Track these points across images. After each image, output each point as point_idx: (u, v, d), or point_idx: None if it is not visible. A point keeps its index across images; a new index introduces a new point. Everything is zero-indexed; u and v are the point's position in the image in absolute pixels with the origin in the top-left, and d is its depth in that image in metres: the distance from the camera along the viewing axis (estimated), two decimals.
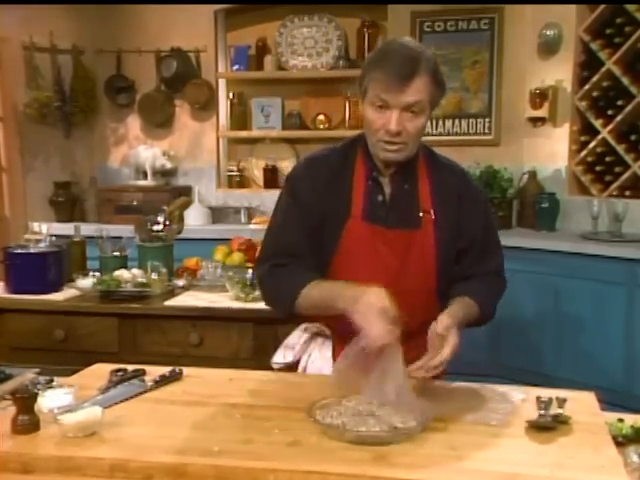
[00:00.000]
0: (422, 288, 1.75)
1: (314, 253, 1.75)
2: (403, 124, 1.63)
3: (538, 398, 1.50)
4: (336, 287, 1.64)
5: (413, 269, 1.74)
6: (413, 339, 1.56)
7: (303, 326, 1.96)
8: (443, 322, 1.56)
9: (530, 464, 1.30)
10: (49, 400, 1.55)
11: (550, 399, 1.49)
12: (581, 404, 1.57)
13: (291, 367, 1.95)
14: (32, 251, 2.90)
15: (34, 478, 1.36)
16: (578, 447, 1.37)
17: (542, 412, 1.47)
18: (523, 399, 1.61)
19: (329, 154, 1.81)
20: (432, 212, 1.75)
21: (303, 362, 1.93)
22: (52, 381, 1.73)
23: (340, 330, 1.74)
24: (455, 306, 1.67)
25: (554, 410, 1.48)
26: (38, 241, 2.95)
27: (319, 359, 1.89)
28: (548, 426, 1.44)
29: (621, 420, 1.51)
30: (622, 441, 1.43)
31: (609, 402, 1.84)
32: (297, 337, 1.96)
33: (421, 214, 1.75)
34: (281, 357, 1.97)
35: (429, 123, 4.67)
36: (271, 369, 1.98)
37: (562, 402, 1.50)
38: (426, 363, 1.54)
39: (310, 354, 1.91)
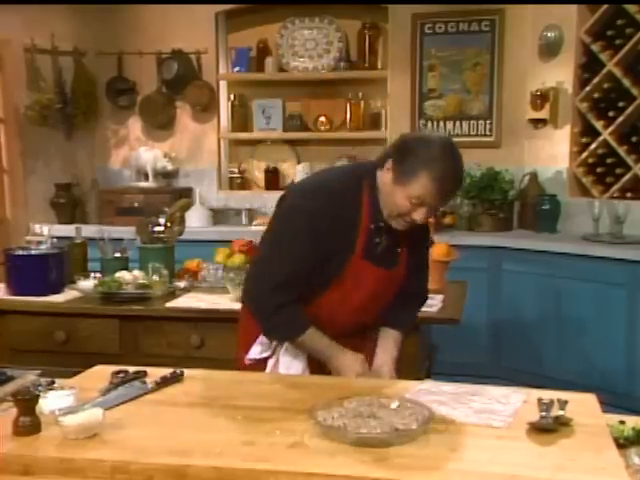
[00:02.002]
0: (387, 305, 2.05)
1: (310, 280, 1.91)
2: (426, 218, 1.87)
3: (539, 400, 1.50)
4: (324, 350, 1.95)
5: (388, 297, 2.03)
6: (361, 333, 2.04)
7: None
8: (383, 364, 2.03)
9: (531, 466, 1.30)
10: (50, 402, 1.55)
11: (551, 401, 1.49)
12: (582, 406, 1.57)
13: (260, 363, 2.02)
14: (33, 253, 2.90)
15: None
16: (579, 449, 1.37)
17: (543, 414, 1.47)
18: (524, 401, 1.61)
19: (342, 189, 1.89)
20: (404, 248, 1.98)
21: (273, 358, 2.00)
22: (53, 383, 1.73)
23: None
24: (392, 346, 2.07)
25: (555, 412, 1.48)
26: (39, 243, 2.95)
27: (289, 355, 1.99)
28: (549, 428, 1.44)
29: (622, 422, 1.51)
30: (624, 443, 1.43)
31: (611, 404, 1.84)
32: (263, 345, 2.03)
33: (399, 250, 1.97)
34: (256, 353, 2.02)
35: (431, 125, 4.69)
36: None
37: (563, 404, 1.50)
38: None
39: (281, 351, 2.00)
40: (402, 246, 1.97)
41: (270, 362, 2.00)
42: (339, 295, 1.93)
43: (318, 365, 1.98)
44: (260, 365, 2.01)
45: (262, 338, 2.01)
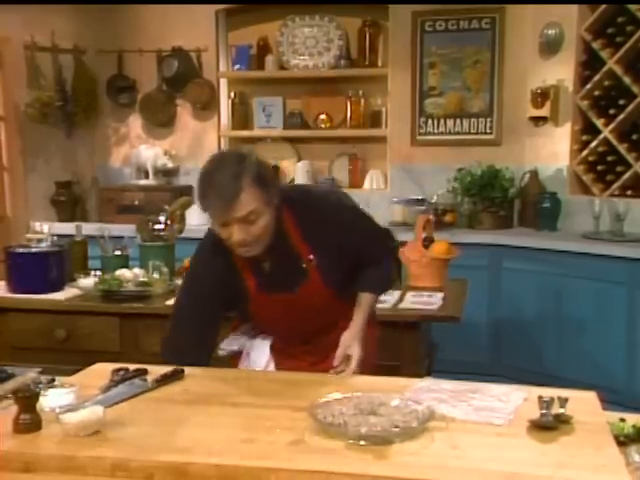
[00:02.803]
0: (327, 311, 2.00)
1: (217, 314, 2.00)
2: (245, 233, 1.77)
3: (540, 398, 1.50)
4: None
5: (316, 307, 1.97)
6: (327, 335, 2.00)
7: (244, 327, 2.13)
8: (345, 342, 1.93)
9: (532, 463, 1.30)
10: (51, 399, 1.55)
11: (552, 399, 1.49)
12: (583, 404, 1.57)
13: (235, 356, 2.11)
14: (34, 251, 2.90)
15: (36, 477, 1.36)
16: (580, 447, 1.37)
17: (544, 412, 1.47)
18: (525, 399, 1.61)
19: (214, 243, 1.90)
20: (311, 256, 1.92)
21: (245, 352, 2.09)
22: (54, 380, 1.73)
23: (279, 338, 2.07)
24: (356, 315, 1.99)
25: (556, 410, 1.48)
26: (40, 241, 2.95)
27: (256, 350, 2.07)
28: (550, 426, 1.44)
29: (623, 420, 1.51)
30: (624, 441, 1.43)
31: (611, 402, 1.84)
32: (245, 329, 2.12)
33: (304, 265, 1.92)
34: (228, 344, 2.10)
35: (431, 123, 4.68)
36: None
37: (564, 402, 1.50)
38: (337, 372, 1.91)
39: (252, 345, 2.09)
40: (306, 258, 1.91)
41: (242, 357, 2.09)
42: (264, 321, 2.02)
43: (285, 358, 2.05)
44: (234, 359, 2.10)
45: (236, 332, 2.11)
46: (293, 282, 1.93)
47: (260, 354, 2.07)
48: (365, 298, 2.02)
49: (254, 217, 1.76)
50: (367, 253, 2.02)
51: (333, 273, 1.95)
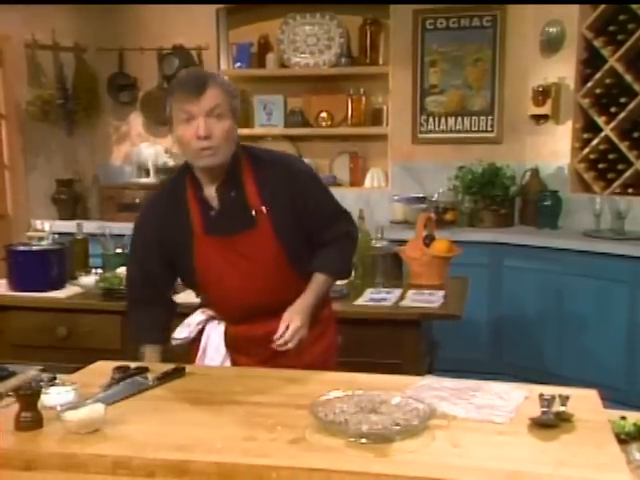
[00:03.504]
0: (276, 274, 1.96)
1: (168, 278, 2.08)
2: (210, 129, 1.83)
3: (541, 396, 1.50)
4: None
5: (262, 263, 1.95)
6: (278, 314, 1.93)
7: (201, 309, 2.12)
8: (286, 316, 1.92)
9: (533, 461, 1.30)
10: (52, 397, 1.55)
11: (553, 397, 1.49)
12: (584, 402, 1.57)
13: (190, 344, 2.12)
14: (35, 249, 2.90)
15: (37, 475, 1.37)
16: (581, 445, 1.37)
17: (545, 410, 1.47)
18: (526, 397, 1.61)
19: (160, 193, 2.06)
20: (263, 208, 1.93)
21: (203, 342, 2.08)
22: (55, 378, 1.73)
23: (230, 319, 2.04)
24: (304, 293, 1.98)
25: (557, 408, 1.48)
26: (41, 239, 2.96)
27: (216, 338, 2.06)
28: (551, 424, 1.44)
29: (624, 418, 1.51)
30: (625, 439, 1.43)
31: (612, 400, 1.84)
32: (195, 317, 2.11)
33: (253, 213, 1.93)
34: (179, 333, 2.11)
35: (432, 121, 4.67)
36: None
37: (565, 400, 1.50)
38: (278, 347, 1.91)
39: (209, 334, 2.08)
40: (257, 208, 1.93)
41: (199, 356, 2.08)
42: (208, 273, 1.96)
43: (243, 356, 2.03)
44: (192, 351, 2.10)
45: (188, 320, 2.11)
46: (237, 226, 1.93)
47: (215, 351, 2.05)
48: (317, 278, 2.01)
49: (219, 112, 1.84)
50: (323, 226, 2.01)
51: (286, 229, 1.94)
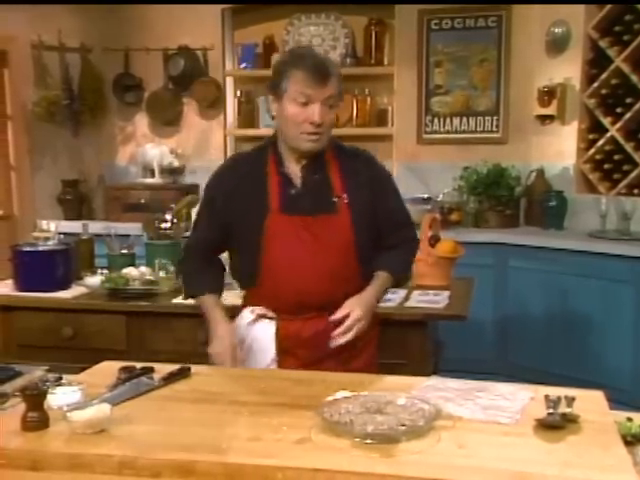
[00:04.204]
0: (343, 264, 1.95)
1: (230, 245, 2.05)
2: (323, 116, 1.87)
3: (547, 397, 1.50)
4: (208, 317, 2.04)
5: (334, 249, 1.94)
6: (330, 313, 1.90)
7: (250, 309, 2.06)
8: (348, 304, 1.89)
9: (539, 463, 1.30)
10: (58, 397, 1.56)
11: (559, 398, 1.49)
12: (590, 403, 1.57)
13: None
14: (40, 249, 2.91)
15: (43, 475, 1.37)
16: (587, 446, 1.36)
17: (551, 411, 1.47)
18: (531, 397, 1.61)
19: (238, 163, 2.08)
20: (345, 196, 1.95)
21: (247, 342, 2.03)
22: (61, 378, 1.74)
23: (283, 312, 1.98)
24: (368, 288, 1.97)
25: (563, 409, 1.48)
26: (47, 239, 2.96)
27: (263, 339, 2.01)
28: (557, 425, 1.44)
29: (630, 419, 1.50)
30: (631, 440, 1.43)
31: (617, 401, 1.83)
32: (243, 318, 2.06)
33: (335, 199, 1.95)
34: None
35: (437, 121, 4.67)
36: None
37: (571, 401, 1.49)
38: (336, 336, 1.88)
39: (256, 335, 2.02)
40: (339, 195, 1.95)
41: (239, 354, 2.00)
42: (276, 248, 1.92)
43: (291, 357, 1.98)
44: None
45: (236, 322, 2.05)
46: (317, 208, 1.94)
47: (263, 353, 2.00)
48: (380, 277, 2.01)
49: (332, 103, 1.89)
50: (394, 228, 2.04)
51: (362, 223, 1.95)
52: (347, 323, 1.88)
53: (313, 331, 1.95)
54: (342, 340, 1.89)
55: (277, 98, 1.91)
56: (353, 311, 1.89)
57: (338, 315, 1.89)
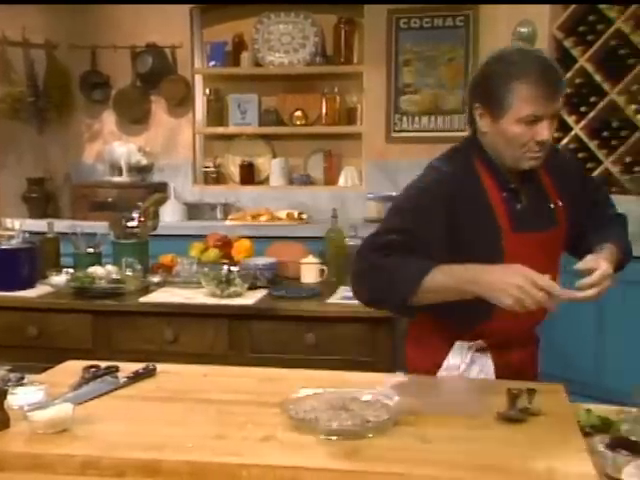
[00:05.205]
0: (555, 278, 1.59)
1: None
2: (550, 132, 1.63)
3: (508, 390, 1.52)
4: (469, 270, 1.52)
5: (555, 264, 1.75)
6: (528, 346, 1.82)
7: (461, 344, 1.76)
8: (589, 261, 1.56)
9: (501, 455, 1.32)
10: (19, 397, 1.54)
11: (520, 391, 1.51)
12: (550, 396, 1.60)
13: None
14: (4, 247, 2.86)
15: (3, 476, 1.35)
16: (547, 438, 1.39)
17: (512, 404, 1.49)
18: (494, 392, 1.63)
19: (445, 173, 1.72)
20: (559, 202, 1.75)
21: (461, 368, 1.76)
22: (23, 378, 1.71)
23: (497, 339, 1.73)
24: (603, 251, 1.65)
25: (524, 402, 1.50)
26: (10, 237, 2.91)
27: (483, 375, 1.77)
28: (518, 418, 1.46)
29: (589, 411, 1.54)
30: (589, 431, 1.46)
31: (580, 394, 1.86)
32: (459, 356, 1.77)
33: (552, 206, 1.74)
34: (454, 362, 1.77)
35: (406, 119, 4.70)
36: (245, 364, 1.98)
37: (532, 394, 1.52)
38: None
39: (472, 373, 1.77)
40: (554, 200, 1.73)
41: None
42: None
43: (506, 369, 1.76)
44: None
45: (446, 364, 1.76)
46: (544, 222, 1.71)
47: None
48: (608, 247, 1.67)
49: (556, 116, 1.65)
50: (602, 212, 1.82)
51: (571, 225, 1.75)
52: (594, 277, 1.51)
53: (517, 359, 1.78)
54: (581, 296, 1.52)
55: (493, 114, 1.63)
56: (600, 266, 1.54)
57: (583, 265, 1.55)
